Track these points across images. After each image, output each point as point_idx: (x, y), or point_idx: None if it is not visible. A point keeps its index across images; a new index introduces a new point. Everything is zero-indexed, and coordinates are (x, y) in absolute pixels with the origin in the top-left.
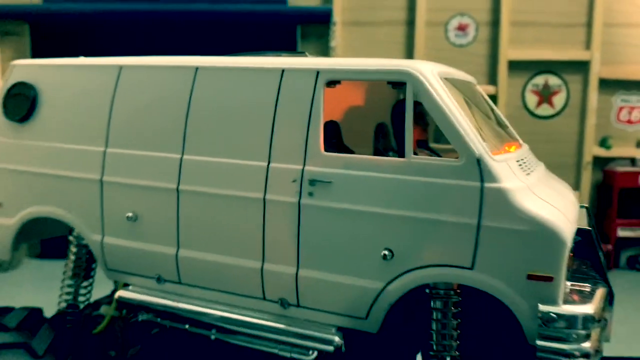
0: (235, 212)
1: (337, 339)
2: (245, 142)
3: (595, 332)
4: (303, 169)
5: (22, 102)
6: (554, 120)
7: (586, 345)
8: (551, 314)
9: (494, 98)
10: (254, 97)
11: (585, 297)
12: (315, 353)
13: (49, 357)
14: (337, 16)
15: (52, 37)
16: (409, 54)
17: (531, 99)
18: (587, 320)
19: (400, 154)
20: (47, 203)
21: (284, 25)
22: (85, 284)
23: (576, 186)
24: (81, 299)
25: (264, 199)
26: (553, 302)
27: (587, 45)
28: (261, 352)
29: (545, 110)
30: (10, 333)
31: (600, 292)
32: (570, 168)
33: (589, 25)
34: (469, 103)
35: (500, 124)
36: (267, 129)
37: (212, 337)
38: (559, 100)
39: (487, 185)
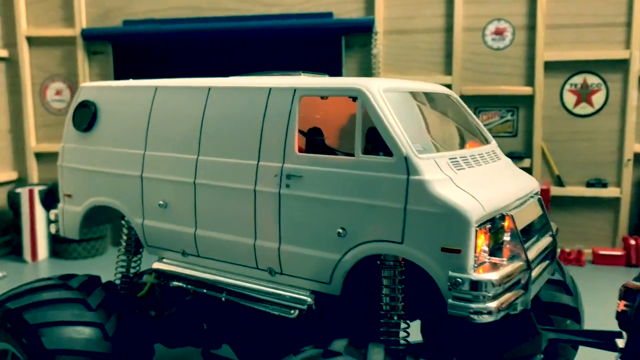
0: (235, 200)
1: (309, 299)
2: (242, 146)
3: (506, 296)
4: (282, 166)
5: (86, 116)
6: (593, 118)
7: (490, 305)
8: (457, 279)
9: (530, 99)
10: (249, 110)
11: (495, 268)
12: (297, 312)
13: (101, 311)
14: (379, 26)
15: (132, 54)
16: (448, 58)
17: (569, 99)
18: (487, 284)
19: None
20: (104, 194)
21: (330, 36)
22: (134, 259)
23: (617, 183)
24: (132, 271)
25: (255, 190)
26: (462, 269)
27: (627, 44)
28: (259, 310)
29: (583, 109)
30: (72, 291)
31: (513, 266)
32: (610, 165)
33: (629, 24)
34: (422, 111)
35: (472, 127)
36: (257, 135)
37: (223, 299)
38: (598, 98)
39: (411, 177)
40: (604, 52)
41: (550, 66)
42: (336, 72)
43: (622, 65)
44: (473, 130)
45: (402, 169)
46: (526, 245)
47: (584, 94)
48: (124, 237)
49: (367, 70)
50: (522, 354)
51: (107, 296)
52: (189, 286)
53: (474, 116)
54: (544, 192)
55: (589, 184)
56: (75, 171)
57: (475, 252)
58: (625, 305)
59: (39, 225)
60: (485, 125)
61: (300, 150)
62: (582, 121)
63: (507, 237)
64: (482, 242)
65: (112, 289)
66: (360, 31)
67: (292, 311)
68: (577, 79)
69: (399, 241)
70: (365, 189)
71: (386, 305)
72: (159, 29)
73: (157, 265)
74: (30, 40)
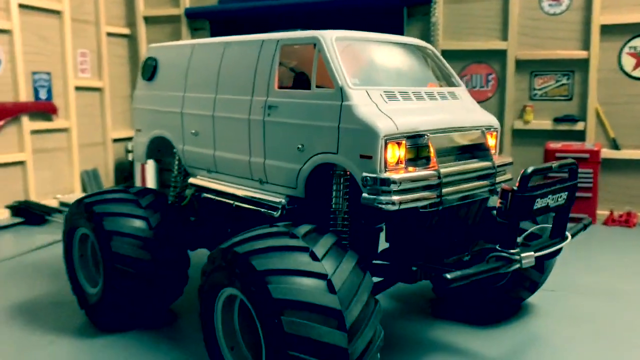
0: (237, 127)
1: (283, 201)
2: (243, 85)
3: (412, 195)
4: (266, 100)
5: (149, 68)
6: None
7: (393, 197)
8: (367, 177)
9: (586, 62)
10: (249, 58)
11: (401, 172)
12: (278, 212)
13: (151, 211)
14: None
15: (226, 29)
16: (504, 24)
17: (628, 62)
18: (389, 181)
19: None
20: (160, 128)
21: (393, 7)
22: (182, 179)
23: None
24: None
25: (249, 118)
26: (372, 171)
27: None
28: (258, 212)
29: None
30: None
31: (420, 172)
32: None
33: None
34: (376, 57)
35: (438, 72)
36: (252, 77)
37: (234, 205)
38: None
39: (344, 103)
40: None
41: (607, 30)
42: None
43: None
44: (439, 75)
45: (338, 97)
46: (450, 162)
47: None
48: (175, 163)
49: (426, 37)
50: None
51: (156, 199)
52: (213, 196)
53: (446, 65)
54: (594, 154)
55: None
56: (142, 111)
57: (384, 158)
58: (500, 203)
59: (147, 174)
60: (539, 89)
61: (279, 87)
62: None
63: (428, 153)
64: (393, 152)
65: (164, 198)
66: (421, 2)
67: (275, 212)
68: (636, 42)
69: (335, 152)
70: (315, 113)
71: (335, 205)
72: (248, 6)
73: (192, 180)
74: (146, 19)
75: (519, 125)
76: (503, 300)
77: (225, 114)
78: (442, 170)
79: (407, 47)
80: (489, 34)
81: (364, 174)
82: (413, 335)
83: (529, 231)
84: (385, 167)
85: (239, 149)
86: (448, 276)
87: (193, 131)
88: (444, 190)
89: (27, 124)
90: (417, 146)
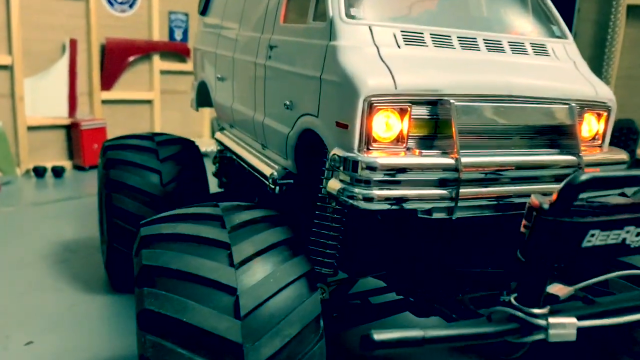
0: (247, 73)
1: (275, 173)
2: (258, 19)
3: (404, 191)
4: (271, 37)
5: (203, 3)
6: None
7: (367, 191)
8: (335, 156)
9: None
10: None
11: (394, 154)
12: (275, 187)
13: (168, 165)
14: None
15: None
16: None
17: None
18: (363, 166)
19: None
20: (204, 71)
21: None
22: None
23: None
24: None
25: (255, 62)
26: (348, 149)
27: None
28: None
29: None
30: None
31: (425, 159)
32: None
33: None
34: None
35: (533, 16)
36: (264, 10)
37: (246, 169)
38: None
39: (330, 43)
40: None
41: None
42: None
43: None
44: (538, 21)
45: (326, 34)
46: (495, 148)
47: None
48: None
49: None
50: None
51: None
52: (231, 155)
53: (549, 5)
54: None
55: None
56: (195, 51)
57: (366, 130)
58: (524, 227)
59: None
60: None
61: (284, 22)
62: None
63: (450, 129)
64: (384, 122)
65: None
66: None
67: (274, 187)
68: None
69: (316, 114)
70: (303, 57)
71: (325, 189)
72: None
73: (216, 135)
74: None
75: None
76: None
77: (241, 56)
78: (465, 160)
79: None
80: None
81: (334, 152)
82: None
83: (591, 281)
84: (368, 143)
85: (247, 101)
86: (375, 337)
87: (219, 76)
88: (464, 191)
89: (158, 63)
90: (435, 118)
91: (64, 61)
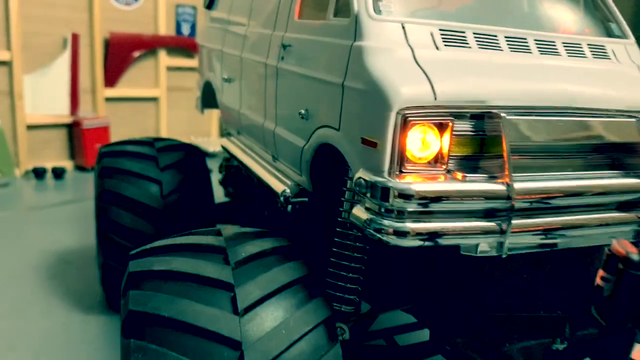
0: (256, 75)
1: (287, 190)
2: (269, 14)
3: (444, 224)
4: (284, 35)
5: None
6: None
7: (399, 224)
8: (361, 180)
9: None
10: None
11: (436, 180)
12: (288, 206)
13: (169, 174)
14: None
15: None
16: None
17: None
18: (396, 194)
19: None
20: (209, 70)
21: None
22: None
23: None
24: None
25: (266, 63)
26: (377, 171)
27: None
28: None
29: None
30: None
31: (470, 185)
32: None
33: None
34: None
35: (590, 13)
36: (275, 8)
37: (255, 181)
38: None
39: (355, 43)
40: None
41: None
42: None
43: None
44: (594, 20)
45: (351, 33)
46: (550, 170)
47: None
48: None
49: None
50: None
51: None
52: (237, 164)
53: (608, 2)
54: None
55: None
56: (201, 49)
57: (398, 148)
58: (601, 278)
59: None
60: None
61: (299, 17)
62: None
63: (499, 147)
64: (421, 139)
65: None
66: None
67: (286, 205)
68: None
69: (337, 127)
70: (322, 59)
71: (346, 214)
72: None
73: (222, 142)
74: None
75: None
76: None
77: (250, 56)
78: (519, 186)
79: None
80: None
81: (359, 174)
82: None
83: None
84: (400, 165)
85: (257, 107)
86: None
87: (226, 77)
88: (517, 222)
89: (165, 59)
90: (480, 134)
91: (66, 57)
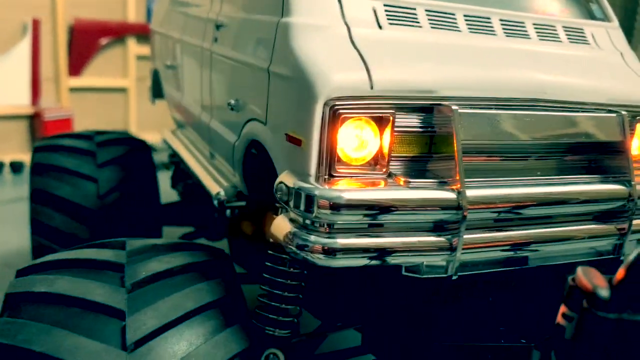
0: (193, 60)
1: (221, 193)
2: None
3: (381, 240)
4: (219, 12)
5: None
6: None
7: (337, 241)
8: (282, 184)
9: None
10: None
11: (370, 185)
12: (227, 210)
13: (107, 171)
14: None
15: None
16: None
17: None
18: (313, 201)
19: None
20: (157, 57)
21: None
22: None
23: None
24: None
25: (201, 45)
26: (301, 174)
27: None
28: None
29: None
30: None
31: (412, 192)
32: None
33: None
34: None
35: None
36: None
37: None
38: None
39: (281, 20)
40: None
41: None
42: None
43: None
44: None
45: (278, 8)
46: (514, 175)
47: None
48: None
49: None
50: None
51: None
52: (177, 159)
53: None
54: None
55: None
56: (152, 34)
57: (328, 146)
58: (563, 315)
59: None
60: None
61: None
62: None
63: (450, 146)
64: (356, 136)
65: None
66: None
67: (227, 211)
68: None
69: (264, 121)
70: (250, 40)
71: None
72: None
73: (164, 135)
74: None
75: None
76: None
77: (188, 38)
78: (472, 193)
79: None
80: None
81: (280, 178)
82: None
83: None
84: (330, 167)
85: (195, 97)
86: None
87: (168, 63)
88: (470, 237)
89: (134, 47)
90: (429, 131)
91: (26, 43)
